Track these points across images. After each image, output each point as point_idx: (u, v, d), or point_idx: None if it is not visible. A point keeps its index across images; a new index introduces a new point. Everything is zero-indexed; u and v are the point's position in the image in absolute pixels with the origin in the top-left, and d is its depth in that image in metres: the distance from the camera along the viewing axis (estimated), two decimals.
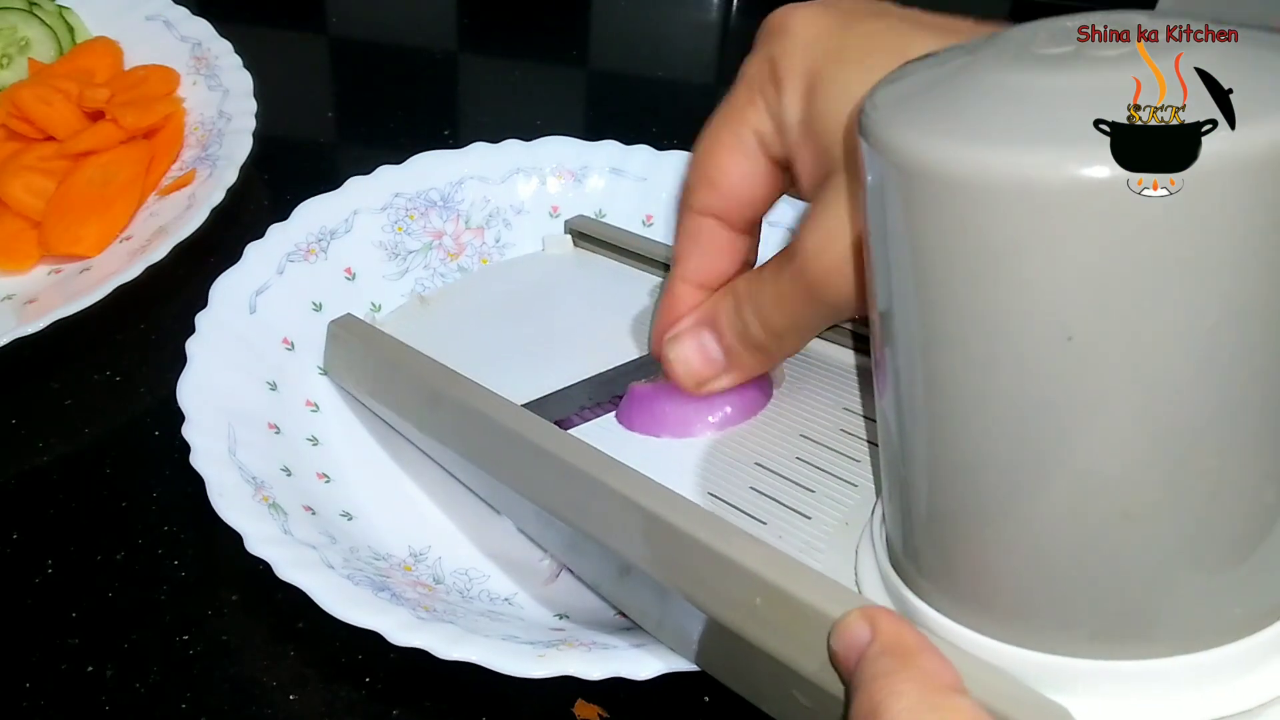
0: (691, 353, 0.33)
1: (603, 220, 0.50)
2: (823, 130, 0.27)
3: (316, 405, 0.43)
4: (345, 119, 0.63)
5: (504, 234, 0.50)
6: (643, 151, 0.51)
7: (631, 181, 0.50)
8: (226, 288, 0.44)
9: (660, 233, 0.50)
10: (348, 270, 0.47)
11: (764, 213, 0.33)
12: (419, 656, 0.33)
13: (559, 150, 0.51)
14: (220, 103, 0.55)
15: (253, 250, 0.45)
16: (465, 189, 0.50)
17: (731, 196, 0.31)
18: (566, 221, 0.50)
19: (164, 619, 0.38)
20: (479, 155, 0.50)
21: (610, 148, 0.51)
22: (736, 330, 0.32)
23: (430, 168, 0.50)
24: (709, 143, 0.32)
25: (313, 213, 0.47)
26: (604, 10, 0.73)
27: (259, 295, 0.44)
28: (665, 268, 0.44)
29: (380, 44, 0.68)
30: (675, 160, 0.50)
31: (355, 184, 0.48)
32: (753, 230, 0.34)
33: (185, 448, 0.37)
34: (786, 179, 0.32)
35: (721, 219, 0.32)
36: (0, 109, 0.53)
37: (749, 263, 0.34)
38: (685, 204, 0.33)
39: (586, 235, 0.49)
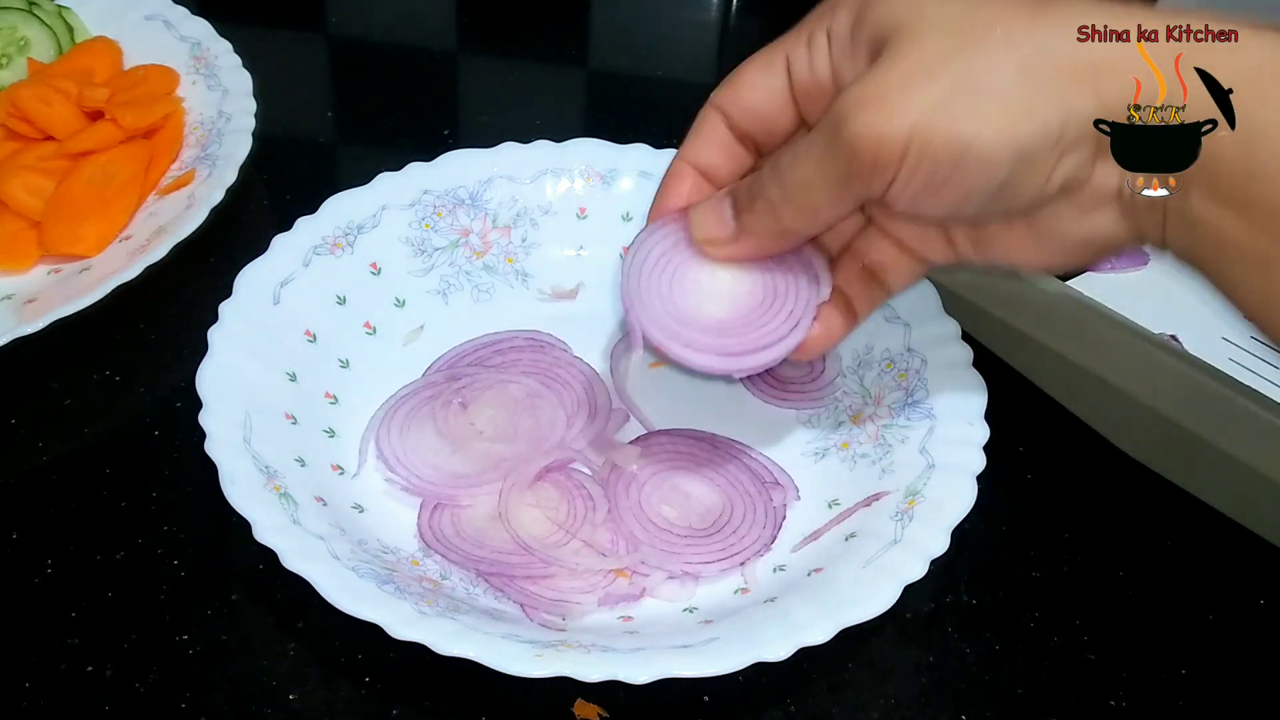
0: (708, 214, 0.36)
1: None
2: (875, 21, 0.31)
3: (335, 398, 0.44)
4: (345, 119, 0.63)
5: (530, 233, 0.50)
6: (672, 155, 0.50)
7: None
8: (251, 278, 0.44)
9: None
10: (373, 265, 0.47)
11: (761, 139, 0.37)
12: (419, 655, 0.33)
13: (589, 152, 0.51)
14: (220, 102, 0.55)
15: (279, 242, 0.45)
16: (494, 188, 0.50)
17: (741, 100, 0.36)
18: None
19: (164, 619, 0.38)
20: (509, 155, 0.50)
21: (640, 151, 0.51)
22: (752, 193, 0.34)
23: (460, 166, 0.50)
24: (748, 60, 0.36)
25: (341, 207, 0.47)
26: (604, 10, 0.73)
27: (283, 286, 0.44)
28: None
29: (380, 44, 0.68)
30: None
31: (385, 180, 0.48)
32: (749, 146, 0.37)
33: (185, 447, 0.37)
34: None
35: (727, 116, 0.36)
36: (0, 109, 0.53)
37: (737, 174, 0.38)
38: (709, 99, 0.37)
39: None
